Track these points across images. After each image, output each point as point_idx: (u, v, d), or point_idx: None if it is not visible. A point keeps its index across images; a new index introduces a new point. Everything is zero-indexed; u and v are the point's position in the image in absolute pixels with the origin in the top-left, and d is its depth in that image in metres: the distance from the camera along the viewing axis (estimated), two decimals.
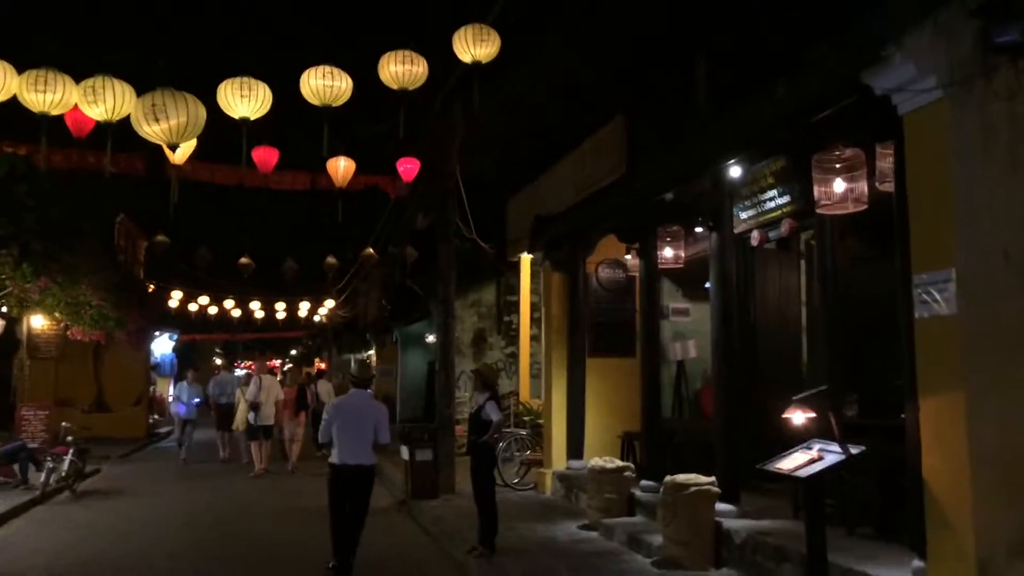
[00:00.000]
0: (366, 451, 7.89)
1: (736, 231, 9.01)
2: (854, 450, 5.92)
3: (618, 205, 10.63)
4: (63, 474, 13.22)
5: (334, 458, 7.89)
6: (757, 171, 8.59)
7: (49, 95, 6.85)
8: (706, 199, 8.79)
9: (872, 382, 7.55)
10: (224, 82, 7.35)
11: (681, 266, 10.66)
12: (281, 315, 31.99)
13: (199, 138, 8.40)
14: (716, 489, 7.82)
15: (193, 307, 28.86)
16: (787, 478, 6.28)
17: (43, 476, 12.83)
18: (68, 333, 18.59)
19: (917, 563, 5.53)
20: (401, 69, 7.79)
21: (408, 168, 12.97)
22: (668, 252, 10.49)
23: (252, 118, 7.53)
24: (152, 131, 6.67)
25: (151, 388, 28.83)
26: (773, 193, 8.65)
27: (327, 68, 7.66)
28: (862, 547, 6.56)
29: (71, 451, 13.42)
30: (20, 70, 6.93)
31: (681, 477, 7.89)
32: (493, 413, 8.65)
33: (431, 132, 13.22)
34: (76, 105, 7.00)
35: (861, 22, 5.64)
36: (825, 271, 8.03)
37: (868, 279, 7.70)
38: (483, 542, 8.50)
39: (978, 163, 5.25)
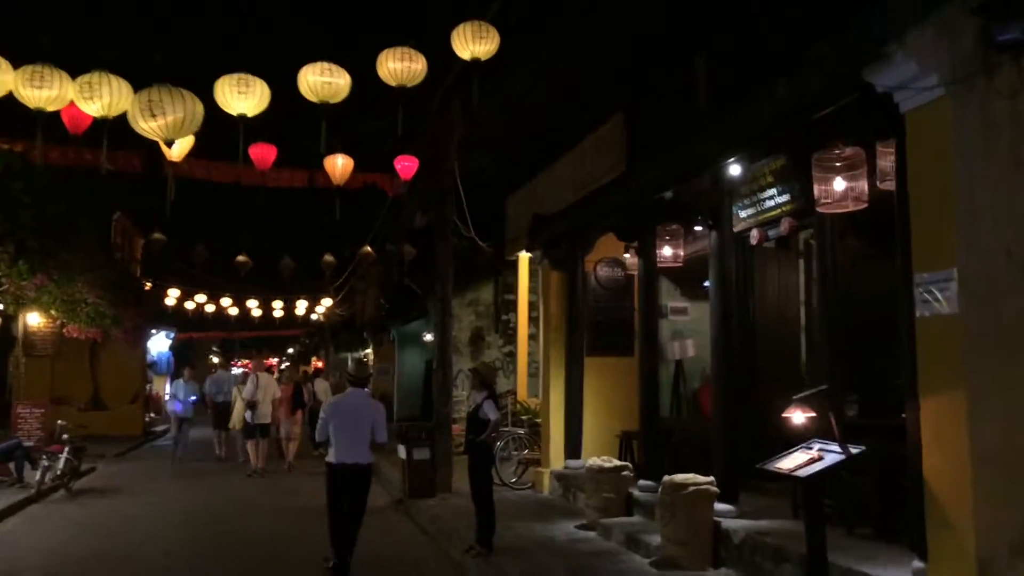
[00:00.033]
0: (363, 450, 7.86)
1: (735, 230, 8.99)
2: (854, 450, 5.89)
3: (617, 203, 10.60)
4: (59, 472, 13.17)
5: (331, 457, 7.86)
6: (757, 170, 8.57)
7: (46, 91, 6.82)
8: (705, 198, 8.77)
9: (872, 382, 7.52)
10: (221, 78, 7.31)
11: (680, 265, 10.64)
12: (278, 313, 31.95)
13: (196, 135, 8.37)
14: (715, 489, 7.80)
15: (190, 305, 28.83)
16: (786, 478, 6.25)
17: (39, 474, 12.79)
18: (64, 331, 18.52)
19: (917, 563, 5.50)
20: (400, 66, 7.76)
21: (406, 166, 12.95)
22: (667, 251, 10.47)
23: (250, 115, 7.50)
24: (149, 127, 6.63)
25: (147, 386, 28.80)
26: (773, 192, 8.64)
27: (325, 65, 7.63)
28: (861, 547, 6.54)
29: (67, 449, 13.37)
30: (16, 66, 6.90)
31: (679, 477, 7.86)
32: (491, 412, 8.62)
33: (430, 130, 13.19)
34: (73, 101, 6.97)
35: (862, 20, 5.62)
36: (825, 270, 8.01)
37: (868, 278, 7.67)
38: (480, 541, 8.47)
39: (980, 161, 5.23)
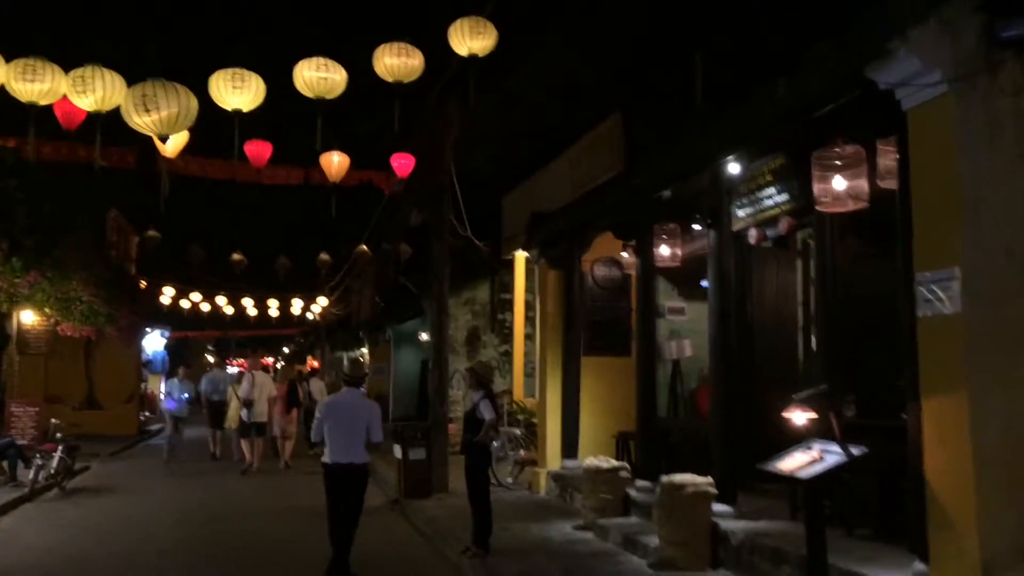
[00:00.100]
0: (358, 450, 7.79)
1: (734, 229, 8.93)
2: (855, 451, 5.82)
3: (615, 202, 10.55)
4: (52, 471, 13.09)
5: (326, 457, 7.81)
6: (756, 169, 8.51)
7: (38, 84, 6.76)
8: (704, 196, 8.72)
9: (871, 382, 7.46)
10: (216, 73, 7.24)
11: (677, 265, 10.56)
12: (274, 312, 31.88)
13: (191, 132, 8.31)
14: (713, 489, 7.74)
15: (185, 304, 28.74)
16: (786, 479, 6.19)
17: (32, 473, 12.71)
18: (58, 329, 18.45)
19: (919, 566, 5.45)
20: (396, 62, 7.70)
21: (403, 164, 12.88)
22: (664, 250, 10.39)
23: (245, 110, 7.44)
24: (143, 122, 6.58)
25: (143, 385, 28.71)
26: (772, 191, 8.57)
27: (321, 60, 7.56)
28: (861, 549, 6.48)
29: (60, 448, 13.30)
30: (9, 60, 6.82)
31: (677, 477, 7.80)
32: (487, 412, 8.56)
33: (426, 128, 13.13)
34: (65, 95, 6.90)
35: (864, 17, 5.58)
36: (824, 269, 7.94)
37: (867, 278, 7.61)
38: (477, 542, 8.40)
39: (983, 159, 5.19)
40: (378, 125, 11.47)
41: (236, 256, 20.44)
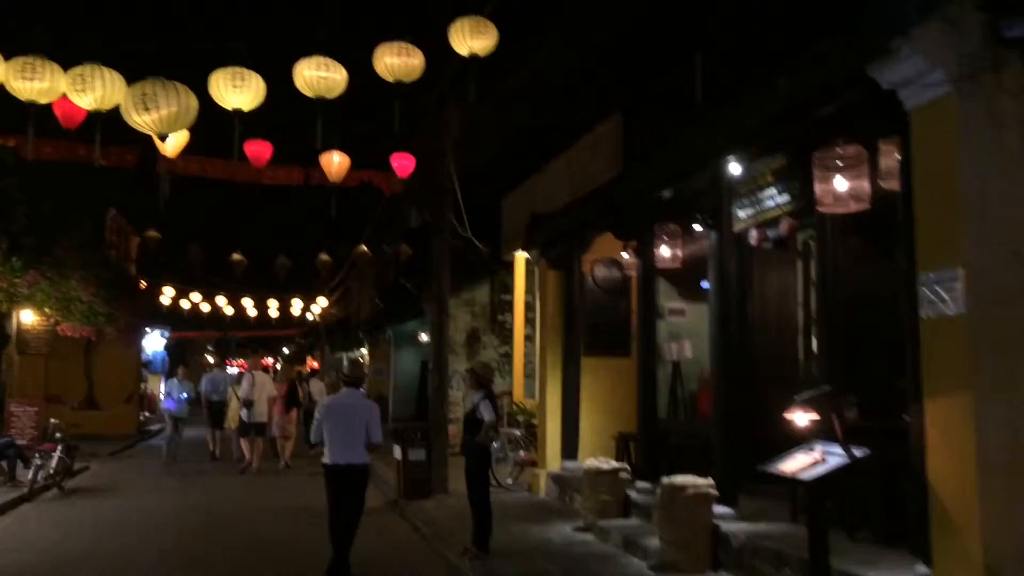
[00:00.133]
0: (358, 451, 7.77)
1: (735, 230, 8.90)
2: (858, 452, 5.79)
3: (615, 202, 10.52)
4: (51, 471, 13.08)
5: (326, 458, 7.80)
6: (756, 169, 8.48)
7: (37, 83, 6.73)
8: (705, 197, 8.70)
9: (872, 383, 7.44)
10: (216, 71, 7.21)
11: (678, 266, 10.53)
12: (274, 313, 31.84)
13: (191, 132, 8.27)
14: (714, 491, 7.70)
15: (185, 304, 28.70)
16: (789, 481, 6.15)
17: (31, 473, 12.67)
18: (58, 329, 18.43)
19: (921, 568, 5.42)
20: (397, 61, 7.65)
21: (403, 164, 12.83)
22: (665, 251, 10.35)
23: (245, 110, 7.40)
24: (142, 121, 6.55)
25: (142, 385, 28.67)
26: (772, 191, 8.53)
27: (321, 59, 7.52)
28: (862, 551, 6.45)
29: (59, 448, 13.28)
30: (7, 57, 6.79)
31: (678, 479, 7.76)
32: (487, 413, 8.52)
33: (426, 128, 13.10)
34: (65, 94, 6.87)
35: (866, 15, 5.55)
36: (825, 270, 7.91)
37: (868, 279, 7.59)
38: (476, 543, 8.37)
39: (987, 159, 5.16)
40: (378, 125, 11.42)
41: (236, 256, 20.39)
